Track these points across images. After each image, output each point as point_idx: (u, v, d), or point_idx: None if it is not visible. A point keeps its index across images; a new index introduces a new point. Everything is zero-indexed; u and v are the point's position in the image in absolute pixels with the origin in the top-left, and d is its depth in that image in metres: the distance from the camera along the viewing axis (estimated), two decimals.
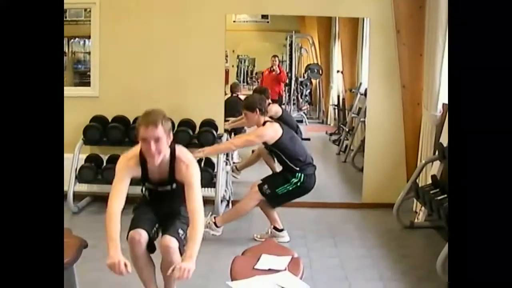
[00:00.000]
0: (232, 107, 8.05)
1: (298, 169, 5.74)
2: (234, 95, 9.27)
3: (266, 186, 5.77)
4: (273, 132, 5.76)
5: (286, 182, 5.75)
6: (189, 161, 4.16)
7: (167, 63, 7.19)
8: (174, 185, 4.24)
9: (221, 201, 6.70)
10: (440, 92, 6.37)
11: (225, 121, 7.53)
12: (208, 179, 6.68)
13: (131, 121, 7.05)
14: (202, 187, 6.41)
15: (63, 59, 2.65)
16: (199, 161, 6.03)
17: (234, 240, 5.84)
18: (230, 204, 7.02)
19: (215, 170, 6.73)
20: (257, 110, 5.79)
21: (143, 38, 7.17)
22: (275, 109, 7.54)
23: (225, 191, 6.98)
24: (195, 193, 4.03)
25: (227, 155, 7.05)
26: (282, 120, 7.21)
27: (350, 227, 6.49)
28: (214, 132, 6.86)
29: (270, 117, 6.13)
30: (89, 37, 7.45)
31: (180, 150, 4.25)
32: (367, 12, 7.22)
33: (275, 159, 6.03)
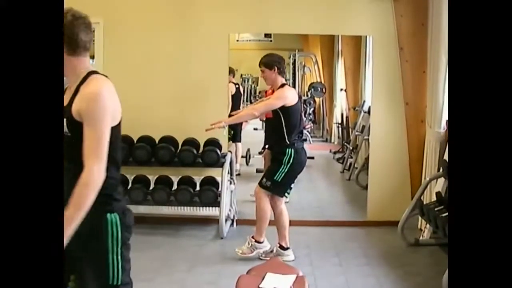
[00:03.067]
0: None
1: (288, 143, 5.67)
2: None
3: (264, 179, 5.76)
4: (292, 95, 5.74)
5: (280, 165, 5.69)
6: (95, 94, 2.94)
7: (171, 82, 7.20)
8: (68, 128, 2.81)
9: (226, 220, 6.68)
10: (444, 109, 6.37)
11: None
12: (212, 198, 6.67)
13: (135, 141, 7.04)
14: (206, 206, 6.47)
15: (63, 60, 2.55)
16: (203, 183, 5.95)
17: (238, 259, 5.82)
18: (235, 223, 7.00)
19: (220, 189, 6.71)
20: (276, 68, 5.77)
21: (146, 58, 7.19)
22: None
23: (230, 210, 6.96)
24: (90, 136, 2.75)
25: (231, 173, 7.03)
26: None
27: (355, 245, 6.46)
28: (218, 151, 6.86)
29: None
30: (93, 57, 7.47)
31: (96, 78, 3.07)
32: (369, 30, 7.24)
33: (274, 126, 5.92)
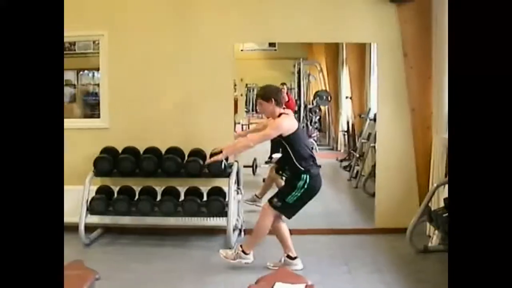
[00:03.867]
0: None
1: (303, 169, 5.64)
2: None
3: (275, 199, 5.72)
4: (290, 124, 5.69)
5: (294, 188, 5.66)
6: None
7: (176, 93, 7.22)
8: None
9: (233, 230, 6.66)
10: None
11: None
12: (220, 208, 6.66)
13: (142, 152, 7.06)
14: (213, 216, 6.46)
15: (63, 61, 2.57)
16: (210, 193, 5.99)
17: (247, 269, 5.80)
18: (243, 233, 6.99)
19: (227, 199, 6.71)
20: (273, 100, 5.74)
21: (151, 69, 7.21)
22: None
23: (237, 220, 6.95)
24: None
25: (238, 183, 7.03)
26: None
27: (364, 253, 6.44)
28: (225, 161, 6.85)
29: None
30: (98, 69, 7.49)
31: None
32: (374, 37, 7.24)
33: (283, 155, 5.91)
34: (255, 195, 7.95)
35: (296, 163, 5.67)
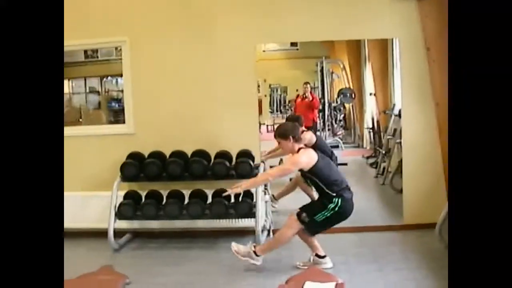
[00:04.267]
0: None
1: (335, 194, 5.66)
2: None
3: (304, 214, 5.71)
4: (308, 158, 5.71)
5: (324, 208, 5.67)
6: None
7: (200, 96, 7.24)
8: None
9: (262, 230, 6.66)
10: None
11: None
12: (248, 209, 6.67)
13: (168, 156, 7.09)
14: (241, 217, 6.46)
15: (63, 60, 2.59)
16: (237, 195, 6.03)
17: (277, 270, 5.81)
18: (271, 233, 6.99)
19: (254, 200, 6.71)
20: (291, 137, 5.76)
21: (174, 73, 7.24)
22: (309, 137, 7.48)
23: (265, 220, 6.95)
24: None
25: (265, 184, 7.03)
26: (317, 147, 7.20)
27: (393, 250, 6.41)
28: (251, 163, 6.86)
29: (305, 145, 6.09)
30: (121, 75, 7.54)
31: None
32: (395, 32, 7.20)
33: (312, 186, 5.97)
34: (272, 195, 7.92)
35: (327, 191, 5.70)
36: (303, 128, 7.60)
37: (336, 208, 5.65)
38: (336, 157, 7.93)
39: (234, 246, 5.93)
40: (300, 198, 6.74)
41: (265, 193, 6.97)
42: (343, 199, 5.68)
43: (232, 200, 6.87)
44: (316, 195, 6.16)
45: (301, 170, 5.85)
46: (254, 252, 5.84)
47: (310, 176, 5.81)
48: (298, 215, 5.74)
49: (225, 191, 6.78)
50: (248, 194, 6.81)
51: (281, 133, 5.85)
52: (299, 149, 5.79)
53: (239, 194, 6.68)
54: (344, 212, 5.73)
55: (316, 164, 5.71)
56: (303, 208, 5.82)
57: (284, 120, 9.80)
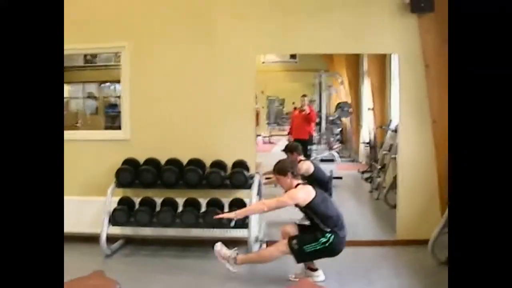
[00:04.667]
0: None
1: (329, 230, 5.68)
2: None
3: (295, 241, 5.72)
4: (305, 194, 5.72)
5: (315, 241, 5.67)
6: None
7: (197, 105, 7.24)
8: None
9: (255, 241, 6.65)
10: None
11: None
12: (241, 219, 6.65)
13: (163, 164, 7.09)
14: (235, 227, 6.46)
15: (63, 60, 2.60)
16: (230, 220, 6.03)
17: (269, 281, 5.82)
18: (264, 245, 6.98)
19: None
20: (289, 174, 5.78)
21: (172, 81, 7.25)
22: (306, 167, 7.49)
23: (259, 231, 6.94)
24: None
25: (259, 195, 7.03)
26: (313, 177, 7.24)
27: (385, 265, 6.41)
28: (246, 173, 6.86)
29: (301, 174, 6.10)
30: (119, 81, 7.54)
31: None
32: (395, 48, 7.22)
33: (309, 220, 5.94)
34: None
35: (322, 225, 5.71)
36: (301, 157, 7.61)
37: (327, 244, 5.65)
38: (331, 188, 7.90)
39: (218, 246, 5.94)
40: (294, 210, 6.71)
41: None
42: (336, 237, 5.68)
43: (226, 209, 6.86)
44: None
45: (298, 206, 5.85)
46: (235, 258, 5.84)
47: (307, 211, 5.81)
48: (290, 240, 5.75)
49: (219, 200, 6.81)
50: (241, 205, 6.81)
51: (279, 169, 5.87)
52: (297, 185, 5.81)
53: (235, 200, 6.72)
54: (334, 249, 5.73)
55: (313, 200, 5.71)
56: (296, 236, 5.83)
57: (281, 132, 9.81)
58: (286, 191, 5.87)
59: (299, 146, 7.92)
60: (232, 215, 5.86)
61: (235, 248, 5.97)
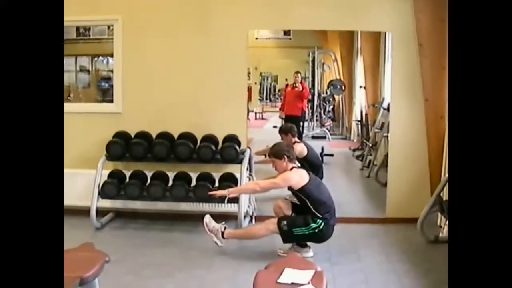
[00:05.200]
0: None
1: (320, 216, 5.71)
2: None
3: (284, 222, 5.76)
4: (299, 178, 5.77)
5: (305, 225, 5.71)
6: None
7: (189, 79, 7.21)
8: None
9: (244, 216, 6.67)
10: None
11: None
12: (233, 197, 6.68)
13: (154, 137, 7.07)
14: (226, 202, 6.48)
15: (63, 60, 2.60)
16: (223, 198, 6.03)
17: (257, 255, 5.83)
18: (254, 220, 7.00)
19: (238, 186, 6.71)
20: (285, 157, 5.81)
21: (165, 55, 7.21)
22: (299, 149, 7.43)
23: (248, 206, 6.95)
24: None
25: (250, 170, 7.04)
26: (307, 159, 7.23)
27: (374, 242, 6.44)
28: (237, 147, 6.86)
29: (296, 157, 6.14)
30: (112, 55, 7.49)
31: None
32: (389, 26, 7.21)
33: (301, 204, 5.95)
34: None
35: (314, 211, 5.74)
36: (296, 139, 7.60)
37: (317, 230, 5.70)
38: (322, 172, 7.87)
39: (207, 218, 5.99)
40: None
41: (249, 179, 6.97)
42: (327, 224, 5.73)
43: (217, 184, 6.87)
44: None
45: (290, 188, 5.88)
46: (222, 232, 5.88)
47: (299, 195, 5.83)
48: (279, 221, 5.79)
49: (210, 175, 6.81)
50: (232, 179, 6.82)
51: (275, 153, 5.89)
52: (292, 168, 5.84)
53: (226, 175, 6.75)
54: (322, 236, 5.79)
55: (306, 184, 5.76)
56: (287, 217, 5.89)
57: (273, 108, 9.79)
58: (280, 174, 5.89)
59: (294, 127, 7.86)
60: (225, 192, 5.89)
61: (223, 222, 5.98)
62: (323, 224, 5.70)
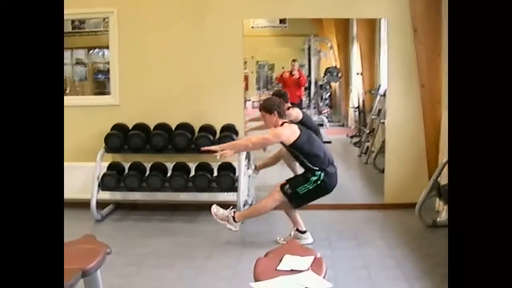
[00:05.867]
0: None
1: (317, 168, 5.71)
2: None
3: (287, 186, 5.74)
4: (290, 132, 5.75)
5: (306, 181, 5.71)
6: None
7: (186, 69, 7.22)
8: None
9: (244, 205, 6.70)
10: None
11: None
12: (230, 183, 6.70)
13: (152, 128, 7.09)
14: (224, 191, 6.50)
15: (63, 60, 2.63)
16: (221, 168, 6.02)
17: (257, 243, 5.86)
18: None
19: (237, 175, 6.74)
20: (275, 112, 5.79)
21: (161, 46, 7.21)
22: (295, 114, 7.41)
23: (248, 195, 6.98)
24: None
25: (248, 159, 7.06)
26: (302, 124, 7.22)
27: (373, 228, 6.48)
28: (235, 137, 6.87)
29: (290, 121, 6.10)
30: (108, 47, 7.49)
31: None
32: (384, 13, 7.21)
33: (296, 161, 5.99)
34: (254, 165, 7.86)
35: (309, 165, 5.75)
36: (289, 104, 7.58)
37: (319, 182, 5.69)
38: (321, 135, 7.91)
39: (214, 208, 5.94)
40: (284, 174, 6.76)
41: (247, 168, 7.00)
42: (326, 173, 5.72)
43: (215, 174, 6.89)
44: (300, 170, 6.17)
45: (283, 144, 5.89)
46: (233, 217, 5.87)
47: (292, 151, 5.84)
48: (282, 186, 5.77)
49: (208, 164, 6.84)
50: (230, 168, 6.84)
51: (266, 107, 5.87)
52: (282, 123, 5.82)
53: (224, 164, 6.81)
54: (326, 186, 5.78)
55: (297, 139, 5.73)
56: (287, 181, 5.86)
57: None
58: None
59: (287, 93, 7.86)
60: (217, 148, 5.82)
61: (231, 207, 6.00)
62: (322, 174, 5.69)
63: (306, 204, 6.01)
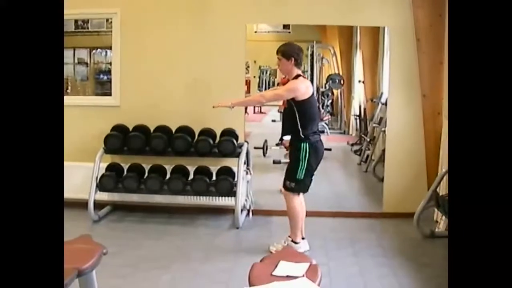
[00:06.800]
0: None
1: (302, 137, 5.55)
2: None
3: (288, 182, 5.67)
4: (305, 88, 5.55)
5: (298, 162, 5.59)
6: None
7: (188, 72, 7.22)
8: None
9: (241, 210, 6.69)
10: None
11: None
12: (229, 188, 6.69)
13: (152, 130, 7.08)
14: (222, 195, 6.49)
15: (63, 61, 2.63)
16: (220, 172, 5.97)
17: (253, 250, 5.84)
18: (251, 214, 7.02)
19: (236, 179, 6.73)
20: (293, 59, 5.58)
21: (163, 48, 7.22)
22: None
23: (246, 200, 6.97)
24: None
25: (247, 164, 7.05)
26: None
27: (371, 237, 6.46)
28: (235, 141, 6.87)
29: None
30: (110, 48, 7.49)
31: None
32: (387, 21, 7.21)
33: (287, 120, 5.80)
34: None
35: (299, 129, 5.57)
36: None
37: (307, 155, 5.56)
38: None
39: (273, 248, 5.82)
40: (281, 178, 6.72)
41: (246, 173, 6.99)
42: (310, 144, 5.58)
43: (214, 178, 6.88)
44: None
45: (290, 99, 5.60)
46: (292, 241, 5.78)
47: (296, 108, 5.56)
48: (285, 187, 5.72)
49: (207, 168, 6.83)
50: (229, 173, 6.83)
51: (284, 51, 5.66)
52: (297, 76, 5.63)
53: (223, 168, 6.81)
54: (316, 154, 5.66)
55: (309, 98, 5.57)
56: (285, 177, 5.77)
57: (272, 102, 9.74)
58: (283, 84, 5.70)
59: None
60: (228, 103, 5.80)
61: (285, 242, 5.88)
62: (306, 145, 5.55)
63: (314, 173, 5.84)
